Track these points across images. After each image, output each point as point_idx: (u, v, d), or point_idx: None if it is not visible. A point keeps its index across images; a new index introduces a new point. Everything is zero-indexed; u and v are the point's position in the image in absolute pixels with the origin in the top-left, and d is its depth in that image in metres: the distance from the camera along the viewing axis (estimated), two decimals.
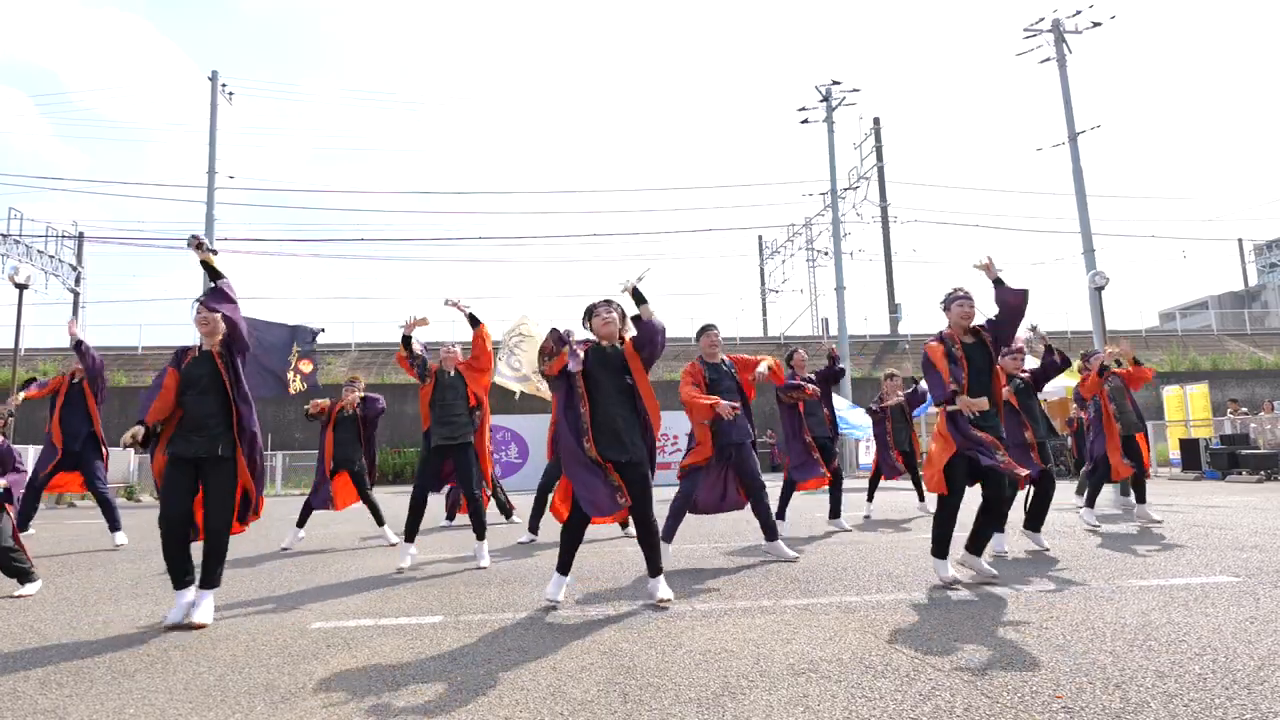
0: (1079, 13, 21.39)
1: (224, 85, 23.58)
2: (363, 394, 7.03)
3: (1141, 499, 6.87)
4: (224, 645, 3.22)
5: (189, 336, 26.96)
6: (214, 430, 3.72)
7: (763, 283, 38.00)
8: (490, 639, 3.24)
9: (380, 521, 6.91)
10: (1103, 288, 18.08)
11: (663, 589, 3.89)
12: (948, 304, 4.34)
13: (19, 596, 4.44)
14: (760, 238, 38.23)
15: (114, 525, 7.07)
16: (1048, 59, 21.85)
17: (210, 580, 3.69)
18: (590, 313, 4.05)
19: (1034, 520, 5.39)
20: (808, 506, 9.62)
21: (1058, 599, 3.72)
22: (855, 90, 25.00)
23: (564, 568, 3.88)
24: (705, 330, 5.49)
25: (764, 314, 37.60)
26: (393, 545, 6.59)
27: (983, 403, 4.06)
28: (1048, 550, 5.30)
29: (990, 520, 4.26)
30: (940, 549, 4.21)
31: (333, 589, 4.59)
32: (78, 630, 3.57)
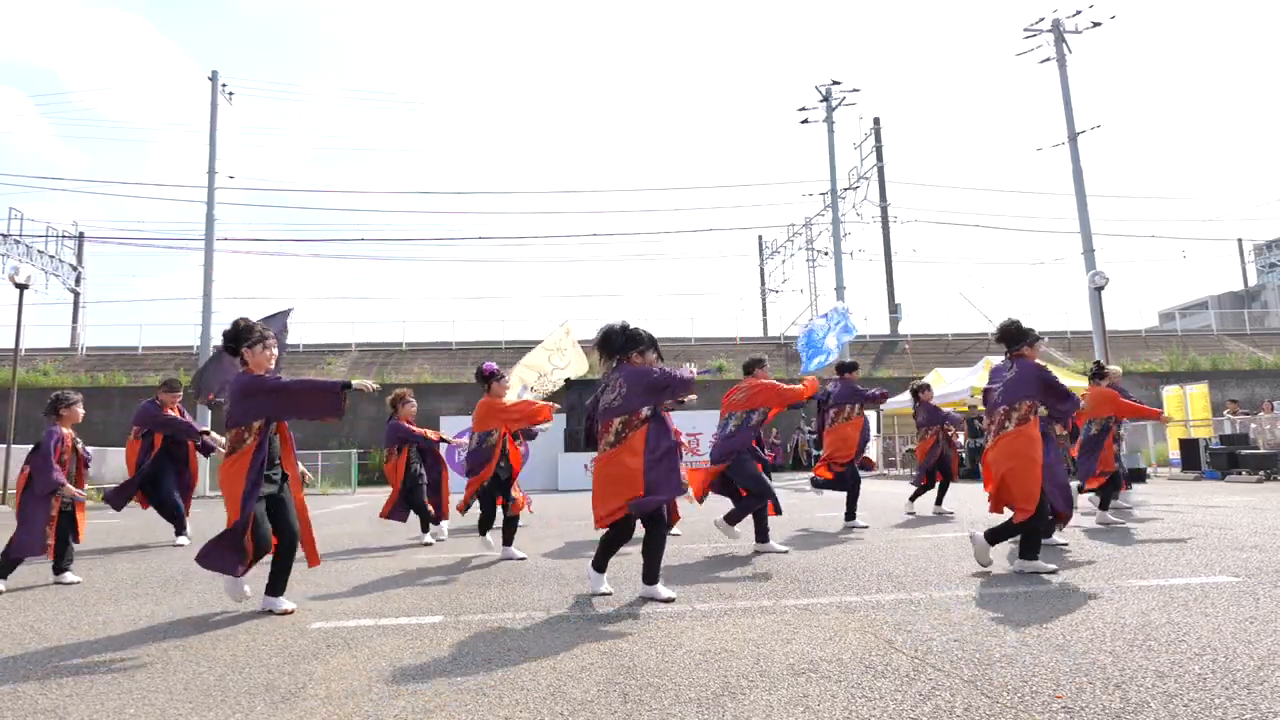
0: (1079, 13, 21.39)
1: (224, 85, 23.57)
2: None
3: (1105, 505, 6.98)
4: (224, 645, 3.22)
5: (189, 336, 26.92)
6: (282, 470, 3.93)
7: (763, 283, 38.02)
8: (490, 639, 3.24)
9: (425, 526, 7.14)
10: (1103, 288, 18.08)
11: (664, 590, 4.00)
12: (1034, 340, 4.68)
13: None
14: (760, 238, 38.27)
15: (179, 528, 7.27)
16: (1048, 59, 21.85)
17: (279, 589, 3.92)
18: (652, 342, 4.18)
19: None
20: (808, 506, 9.62)
21: (1057, 599, 3.72)
22: (855, 90, 25.03)
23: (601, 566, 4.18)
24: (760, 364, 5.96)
25: (764, 314, 37.65)
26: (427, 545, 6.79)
27: None
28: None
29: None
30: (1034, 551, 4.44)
31: (333, 589, 4.59)
32: (78, 630, 3.57)
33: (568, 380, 17.71)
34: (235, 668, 2.87)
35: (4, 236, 24.87)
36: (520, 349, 28.58)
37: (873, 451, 21.90)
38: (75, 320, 30.52)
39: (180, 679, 2.75)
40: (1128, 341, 30.53)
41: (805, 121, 25.81)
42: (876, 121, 30.06)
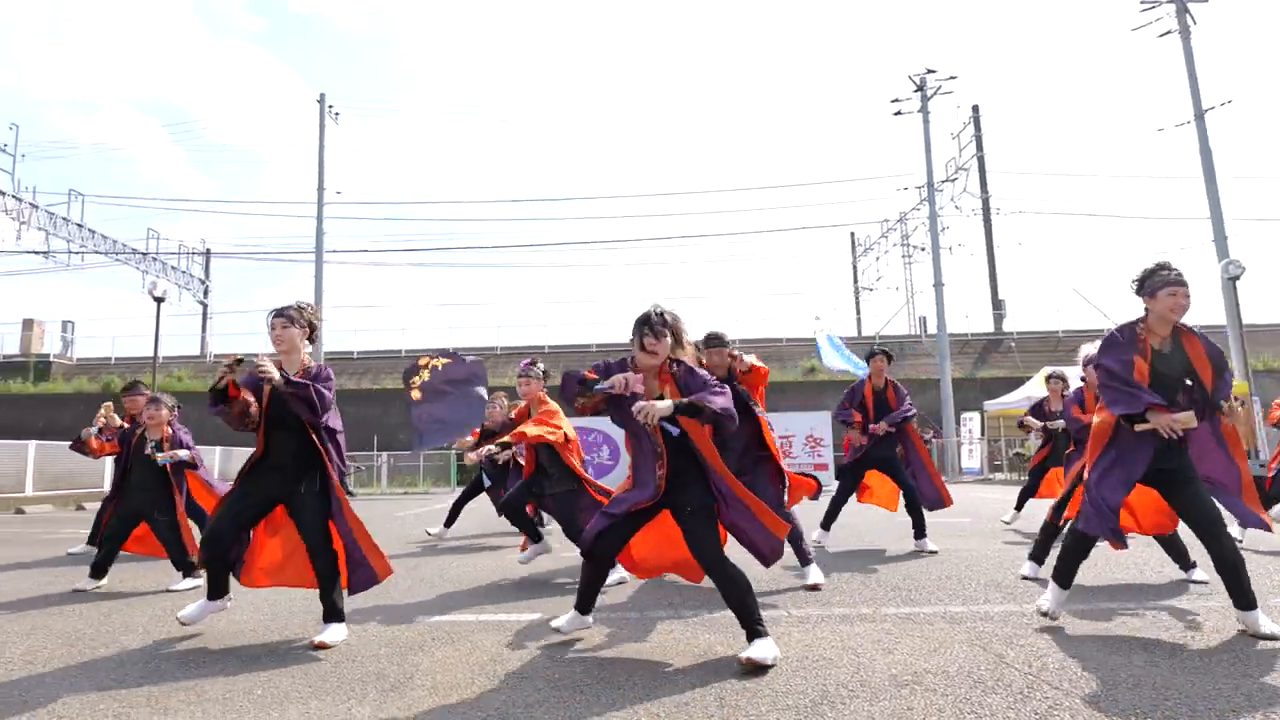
0: None
1: (330, 106, 25.04)
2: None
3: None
4: None
5: None
6: (294, 472, 3.39)
7: (855, 281, 37.02)
8: (586, 637, 3.28)
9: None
10: (1237, 278, 16.63)
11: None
12: (1154, 289, 3.21)
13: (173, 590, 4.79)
14: (853, 234, 37.27)
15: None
16: (1168, 32, 20.27)
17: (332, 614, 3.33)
18: (639, 328, 2.99)
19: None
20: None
21: (1194, 619, 3.43)
22: (952, 78, 24.04)
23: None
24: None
25: (857, 313, 36.64)
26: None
27: (1187, 419, 3.07)
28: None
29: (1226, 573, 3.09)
30: (1060, 576, 3.38)
31: (436, 584, 4.78)
32: (214, 629, 3.86)
33: None
34: (349, 656, 3.04)
35: (144, 255, 27.29)
36: (610, 352, 28.98)
37: (977, 457, 20.97)
38: (204, 329, 33.17)
39: (299, 664, 2.93)
40: (1268, 335, 27.87)
41: (899, 113, 24.97)
42: (975, 109, 28.73)
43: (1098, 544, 3.43)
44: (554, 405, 5.04)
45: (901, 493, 5.98)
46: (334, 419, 3.47)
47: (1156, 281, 3.19)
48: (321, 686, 2.65)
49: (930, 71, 24.16)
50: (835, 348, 14.38)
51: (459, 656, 3.01)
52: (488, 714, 2.34)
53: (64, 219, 24.60)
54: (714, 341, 4.42)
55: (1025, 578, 4.45)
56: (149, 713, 2.42)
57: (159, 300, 17.80)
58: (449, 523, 7.38)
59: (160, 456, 4.94)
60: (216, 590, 3.49)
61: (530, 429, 4.81)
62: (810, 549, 4.60)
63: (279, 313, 3.42)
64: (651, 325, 2.95)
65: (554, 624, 3.24)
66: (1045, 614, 3.31)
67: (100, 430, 5.70)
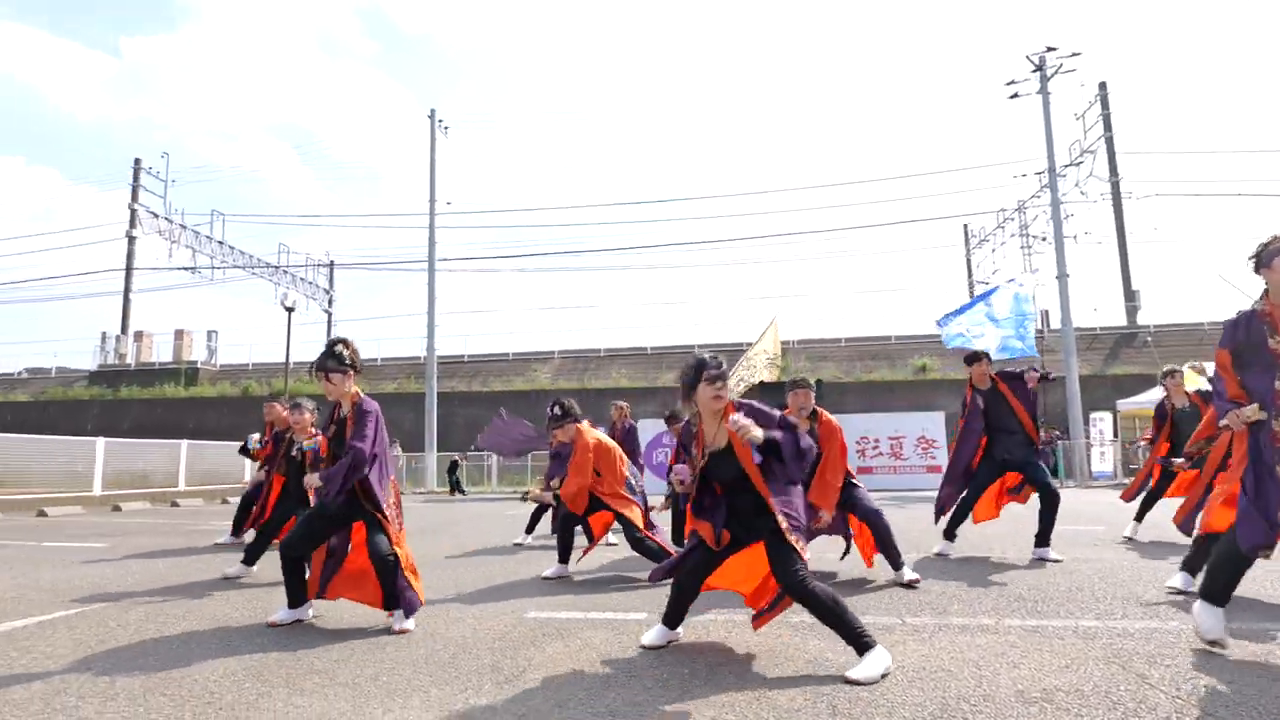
0: None
1: (440, 121, 26.20)
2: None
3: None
4: (454, 628, 3.55)
5: (419, 348, 30.19)
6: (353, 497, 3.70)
7: (970, 274, 35.17)
8: (693, 639, 3.28)
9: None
10: None
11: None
12: (1269, 259, 2.94)
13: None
14: (965, 226, 35.43)
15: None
16: None
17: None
18: (699, 374, 3.06)
19: None
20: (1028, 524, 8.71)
21: None
22: (1075, 55, 22.41)
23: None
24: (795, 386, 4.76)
25: None
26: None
27: (1252, 412, 2.88)
28: None
29: None
30: (1214, 594, 3.00)
31: (543, 582, 4.90)
32: (342, 619, 4.13)
33: (761, 382, 17.59)
34: (465, 648, 3.16)
35: (275, 268, 29.51)
36: (711, 350, 28.82)
37: (1109, 460, 19.48)
38: (329, 336, 35.46)
39: (421, 654, 3.08)
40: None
41: (1014, 96, 23.53)
42: (1103, 87, 26.68)
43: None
44: (586, 438, 4.96)
45: (1038, 495, 5.44)
46: (375, 454, 3.64)
47: (1272, 250, 2.96)
48: (441, 676, 2.77)
49: (1050, 49, 22.64)
50: (1018, 314, 12.04)
51: (569, 653, 3.08)
52: (597, 711, 2.38)
53: (207, 237, 26.90)
54: (799, 385, 4.81)
55: (1177, 590, 4.06)
56: (287, 693, 2.60)
57: (289, 310, 19.26)
58: (530, 529, 7.42)
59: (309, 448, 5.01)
60: (293, 599, 3.74)
61: (566, 495, 4.97)
62: (901, 551, 4.63)
63: (319, 368, 3.69)
64: (713, 372, 3.05)
65: (642, 641, 3.22)
66: (1213, 643, 2.93)
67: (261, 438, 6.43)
